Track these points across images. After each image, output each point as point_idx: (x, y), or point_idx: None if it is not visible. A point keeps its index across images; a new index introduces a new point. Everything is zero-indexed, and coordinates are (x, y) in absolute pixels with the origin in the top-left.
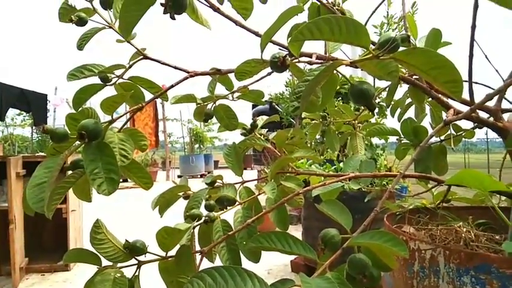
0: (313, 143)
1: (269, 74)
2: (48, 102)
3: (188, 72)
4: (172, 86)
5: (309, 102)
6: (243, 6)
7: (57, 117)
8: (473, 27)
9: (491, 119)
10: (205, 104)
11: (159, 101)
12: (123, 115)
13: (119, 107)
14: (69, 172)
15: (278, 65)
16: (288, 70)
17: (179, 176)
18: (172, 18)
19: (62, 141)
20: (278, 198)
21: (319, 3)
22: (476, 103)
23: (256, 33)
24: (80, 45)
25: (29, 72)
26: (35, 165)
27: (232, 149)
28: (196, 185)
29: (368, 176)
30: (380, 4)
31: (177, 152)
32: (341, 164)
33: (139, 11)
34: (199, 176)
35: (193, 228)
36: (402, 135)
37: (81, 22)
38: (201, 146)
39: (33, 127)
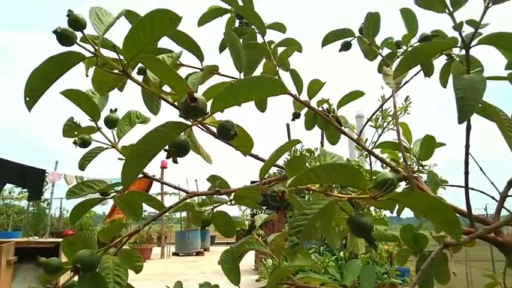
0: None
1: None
2: (46, 175)
3: (188, 192)
4: (171, 207)
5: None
6: (244, 144)
7: (55, 191)
8: (467, 146)
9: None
10: (202, 211)
11: (157, 175)
12: (122, 238)
13: (117, 234)
14: None
15: (277, 199)
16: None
17: (174, 253)
18: (175, 162)
19: (55, 273)
20: None
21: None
22: (475, 233)
23: (256, 157)
24: (82, 165)
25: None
26: (28, 251)
27: (229, 254)
28: (190, 263)
29: None
30: (372, 115)
31: (173, 226)
32: (341, 254)
33: (141, 165)
34: (194, 254)
35: None
36: (402, 242)
37: (84, 144)
38: None
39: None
